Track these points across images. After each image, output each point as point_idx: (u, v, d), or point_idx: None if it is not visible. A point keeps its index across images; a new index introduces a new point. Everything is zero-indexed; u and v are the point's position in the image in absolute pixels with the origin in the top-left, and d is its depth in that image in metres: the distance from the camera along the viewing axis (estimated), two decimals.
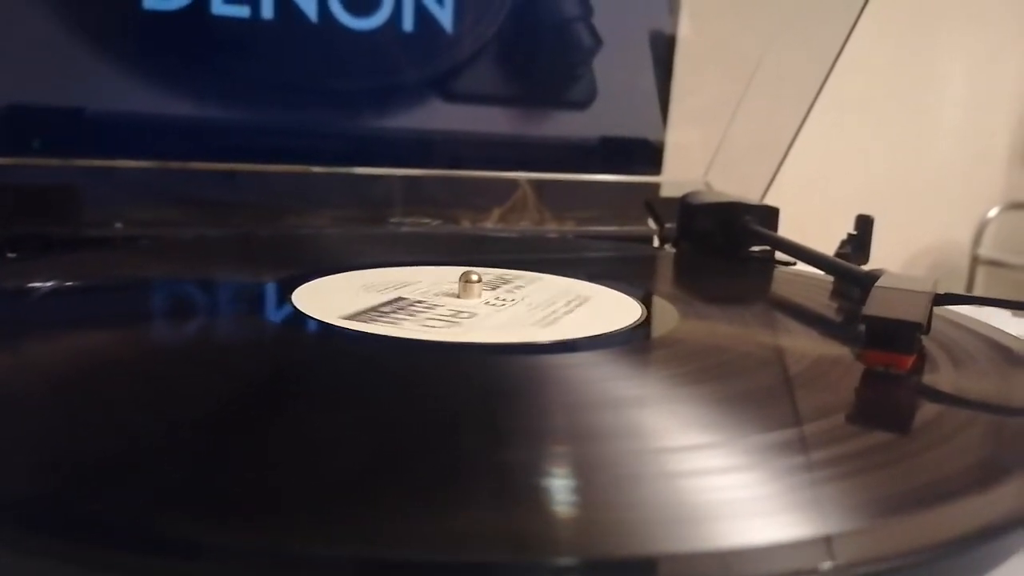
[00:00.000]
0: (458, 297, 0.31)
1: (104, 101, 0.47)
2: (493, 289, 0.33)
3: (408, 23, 0.52)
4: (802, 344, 0.29)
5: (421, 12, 0.52)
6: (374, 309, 0.29)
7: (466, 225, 0.55)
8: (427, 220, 0.54)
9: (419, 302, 0.30)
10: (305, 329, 0.27)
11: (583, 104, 0.58)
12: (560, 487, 0.17)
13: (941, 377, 0.26)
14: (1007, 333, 0.31)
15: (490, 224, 0.56)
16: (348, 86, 0.53)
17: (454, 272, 0.32)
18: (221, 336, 0.28)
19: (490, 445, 0.19)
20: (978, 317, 0.33)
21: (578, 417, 0.21)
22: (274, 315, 0.30)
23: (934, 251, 1.16)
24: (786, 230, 0.44)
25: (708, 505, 0.16)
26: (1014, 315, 0.38)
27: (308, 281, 0.32)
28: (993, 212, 1.18)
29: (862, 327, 0.25)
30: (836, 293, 0.37)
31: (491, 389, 0.23)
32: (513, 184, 0.56)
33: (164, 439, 0.18)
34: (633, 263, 0.46)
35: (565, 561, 0.14)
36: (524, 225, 0.56)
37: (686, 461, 0.18)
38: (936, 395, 0.24)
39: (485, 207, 0.56)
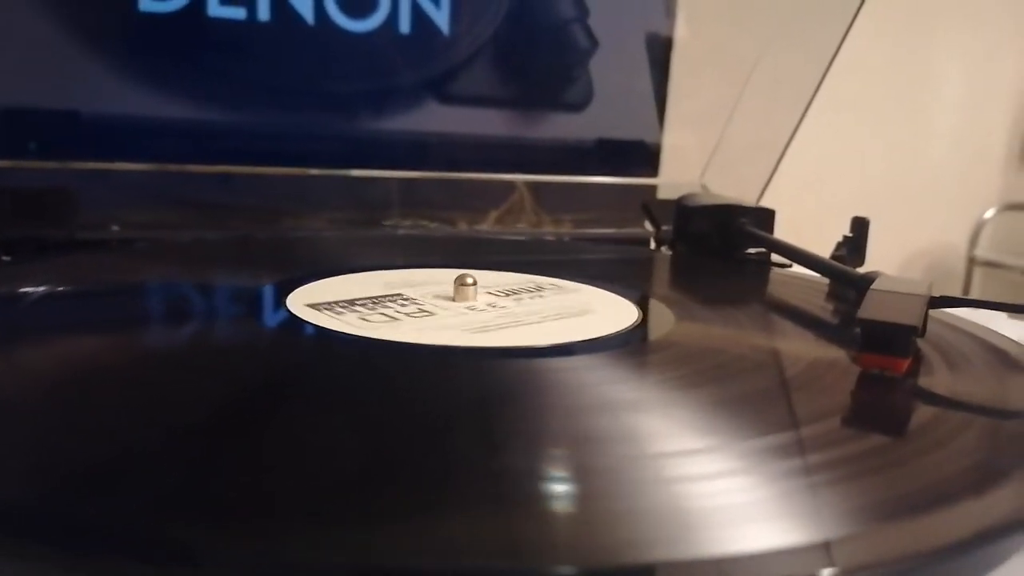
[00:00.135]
0: (454, 300, 0.31)
1: (100, 103, 0.47)
2: (506, 295, 0.32)
3: (405, 25, 0.52)
4: (798, 347, 0.29)
5: (418, 14, 0.52)
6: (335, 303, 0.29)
7: (463, 227, 0.55)
8: (424, 222, 0.54)
9: (386, 296, 0.30)
10: (300, 333, 0.27)
11: (580, 106, 0.59)
12: (556, 493, 0.17)
13: (937, 380, 0.26)
14: (1003, 335, 0.31)
15: (487, 226, 0.56)
16: (345, 88, 0.53)
17: (450, 275, 0.32)
18: (217, 340, 0.28)
19: (486, 450, 0.19)
20: (974, 319, 0.33)
21: (574, 421, 0.21)
22: (270, 319, 0.30)
23: (931, 252, 1.16)
24: (782, 232, 0.44)
25: (705, 511, 0.16)
26: (1010, 317, 0.38)
27: (305, 284, 0.32)
28: (990, 213, 1.18)
29: (858, 330, 0.25)
30: (832, 295, 0.37)
31: (487, 393, 0.23)
32: (510, 186, 0.56)
33: (159, 444, 0.18)
34: (629, 265, 0.46)
35: (562, 569, 0.14)
36: (521, 227, 0.56)
37: (682, 466, 0.18)
38: (932, 398, 0.24)
39: (482, 209, 0.56)
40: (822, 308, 0.35)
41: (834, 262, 0.37)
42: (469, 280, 0.31)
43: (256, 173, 0.50)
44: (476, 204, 0.56)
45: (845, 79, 0.64)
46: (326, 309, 0.29)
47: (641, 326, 0.29)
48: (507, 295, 0.32)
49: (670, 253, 0.48)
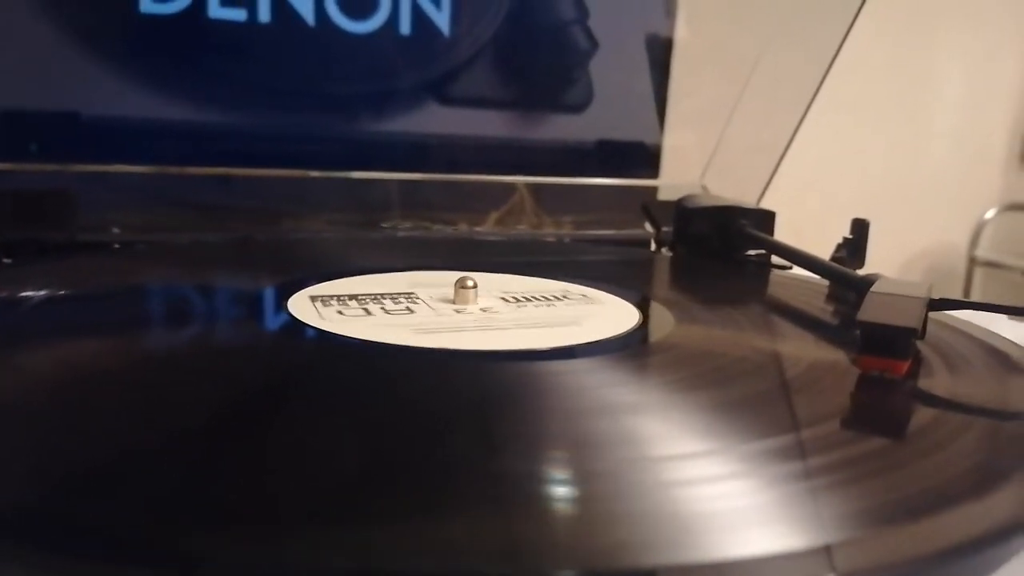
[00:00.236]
0: (455, 302, 0.31)
1: (101, 106, 0.47)
2: (506, 298, 0.32)
3: (405, 26, 0.52)
4: (798, 349, 0.29)
5: (418, 15, 0.52)
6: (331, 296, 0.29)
7: (463, 229, 0.55)
8: (425, 224, 0.54)
9: (380, 296, 0.30)
10: (301, 335, 0.27)
11: (580, 107, 0.59)
12: (556, 495, 0.17)
13: (937, 382, 0.26)
14: (1003, 337, 0.31)
15: (487, 228, 0.56)
16: (345, 90, 0.53)
17: (451, 277, 0.32)
18: (217, 342, 0.28)
19: (486, 452, 0.19)
20: (974, 321, 0.33)
21: (574, 424, 0.21)
22: (271, 321, 0.30)
23: (931, 253, 1.16)
24: (782, 233, 0.44)
25: (705, 515, 0.16)
26: (1010, 319, 0.38)
27: (305, 286, 0.32)
28: (990, 213, 1.18)
29: (857, 332, 0.25)
30: (832, 297, 0.37)
31: (487, 395, 0.23)
32: (510, 188, 0.56)
33: (158, 446, 0.18)
34: (629, 267, 0.46)
35: (561, 572, 0.14)
36: (521, 229, 0.56)
37: (682, 469, 0.18)
38: (932, 400, 0.24)
39: (482, 211, 0.56)
40: (822, 310, 0.35)
41: (834, 264, 0.37)
42: (470, 283, 0.31)
43: (256, 175, 0.50)
44: (476, 206, 0.56)
45: (846, 79, 0.64)
46: (327, 311, 0.29)
47: (641, 328, 0.29)
48: (507, 297, 0.32)
49: (670, 255, 0.48)
